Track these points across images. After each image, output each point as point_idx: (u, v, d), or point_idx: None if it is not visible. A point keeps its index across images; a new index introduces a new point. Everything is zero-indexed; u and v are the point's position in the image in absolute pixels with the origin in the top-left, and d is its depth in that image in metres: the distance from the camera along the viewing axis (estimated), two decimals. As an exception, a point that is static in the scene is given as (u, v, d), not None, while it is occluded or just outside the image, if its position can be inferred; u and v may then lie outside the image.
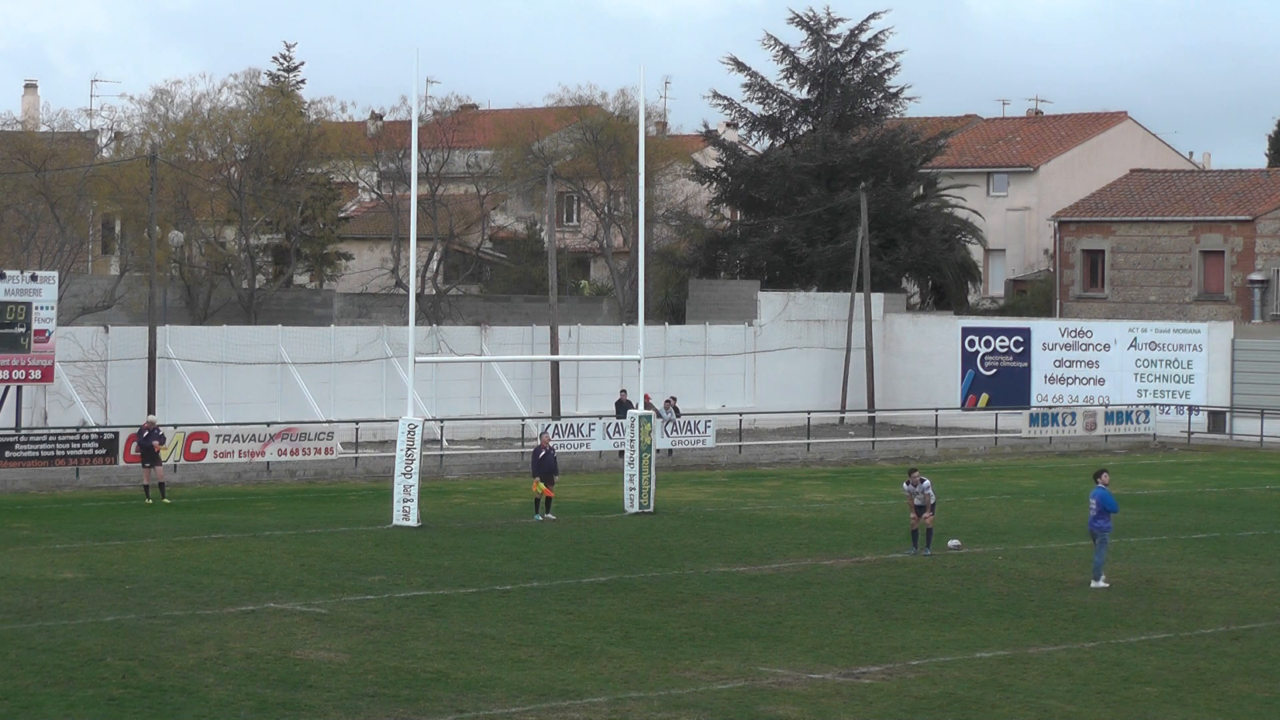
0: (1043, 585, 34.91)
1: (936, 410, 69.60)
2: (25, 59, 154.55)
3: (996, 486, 54.31)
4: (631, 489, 46.21)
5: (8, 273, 53.63)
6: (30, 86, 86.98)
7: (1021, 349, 74.16)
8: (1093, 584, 34.74)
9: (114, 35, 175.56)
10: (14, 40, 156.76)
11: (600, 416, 60.79)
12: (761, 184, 79.82)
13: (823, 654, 27.92)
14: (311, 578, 34.73)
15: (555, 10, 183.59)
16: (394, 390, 62.57)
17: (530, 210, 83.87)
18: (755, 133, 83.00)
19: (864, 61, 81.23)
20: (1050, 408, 70.15)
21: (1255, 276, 74.62)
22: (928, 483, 38.92)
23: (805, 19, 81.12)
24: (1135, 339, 72.41)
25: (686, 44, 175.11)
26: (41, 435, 52.10)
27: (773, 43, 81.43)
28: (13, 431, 51.97)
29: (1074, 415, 68.96)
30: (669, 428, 59.93)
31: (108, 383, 59.11)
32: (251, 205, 72.10)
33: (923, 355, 76.22)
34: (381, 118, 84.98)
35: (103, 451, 51.46)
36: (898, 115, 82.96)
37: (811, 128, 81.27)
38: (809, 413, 68.35)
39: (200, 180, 71.69)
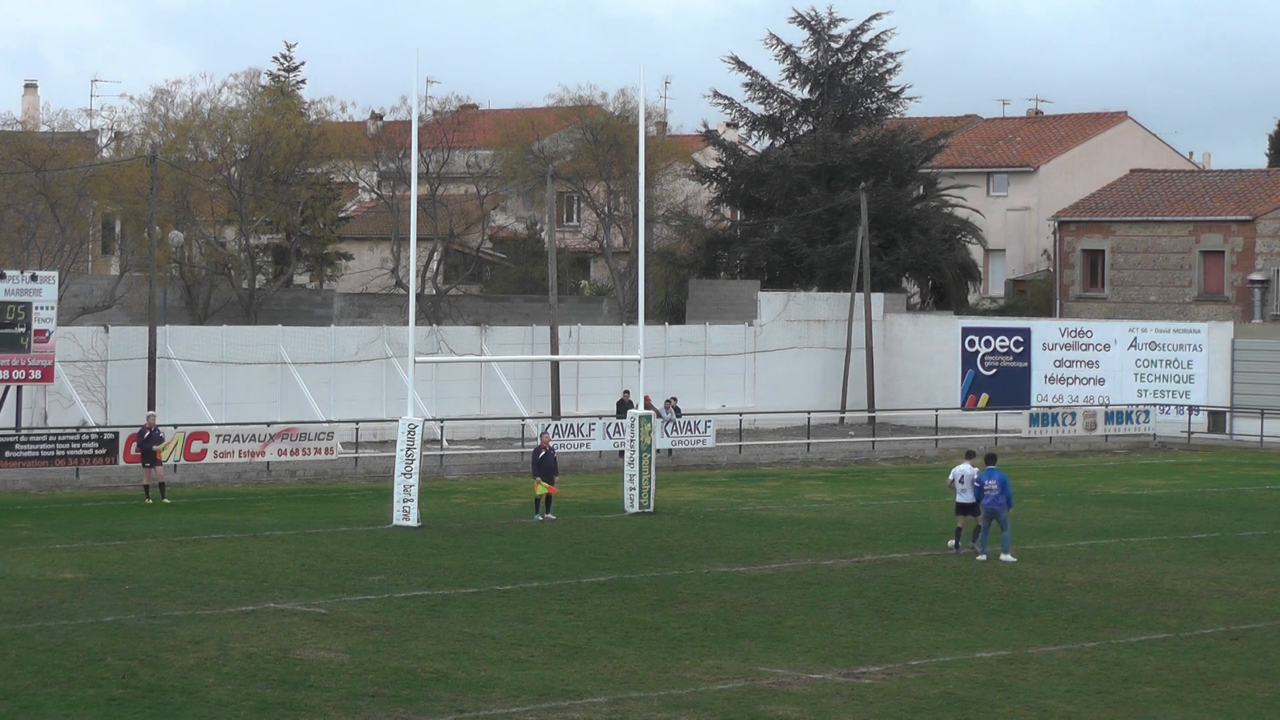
0: (1043, 585, 34.91)
1: (936, 410, 69.55)
2: (20, 56, 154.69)
3: (996, 486, 54.14)
4: (631, 489, 46.19)
5: (8, 273, 53.62)
6: (30, 86, 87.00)
7: (1021, 349, 74.14)
8: (1004, 557, 37.50)
9: (110, 34, 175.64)
10: (8, 37, 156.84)
11: (600, 416, 60.79)
12: (761, 184, 79.81)
13: (823, 654, 27.91)
14: (311, 578, 34.71)
15: (555, 10, 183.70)
16: (394, 390, 62.56)
17: (530, 210, 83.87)
18: (755, 133, 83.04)
19: (865, 61, 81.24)
20: (1050, 408, 70.12)
21: (1255, 276, 74.61)
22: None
23: (807, 19, 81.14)
24: (1135, 339, 72.39)
25: (687, 44, 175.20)
26: (41, 435, 52.08)
27: (774, 42, 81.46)
28: (13, 431, 51.96)
29: (1074, 415, 68.94)
30: (669, 428, 59.93)
31: (108, 383, 59.11)
32: (251, 205, 72.10)
33: (923, 355, 76.20)
34: (381, 118, 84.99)
35: (103, 451, 51.46)
36: (898, 115, 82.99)
37: (812, 128, 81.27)
38: (809, 413, 68.32)
39: (200, 180, 71.70)
